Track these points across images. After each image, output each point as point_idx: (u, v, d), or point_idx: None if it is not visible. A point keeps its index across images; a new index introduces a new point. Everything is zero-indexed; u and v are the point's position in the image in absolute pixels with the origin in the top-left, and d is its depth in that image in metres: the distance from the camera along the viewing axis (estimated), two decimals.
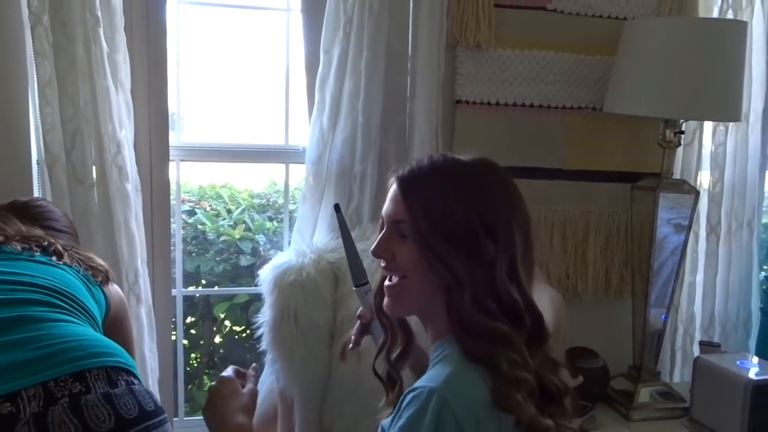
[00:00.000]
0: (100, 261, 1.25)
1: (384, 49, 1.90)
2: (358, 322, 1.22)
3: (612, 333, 2.15)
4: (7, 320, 0.94)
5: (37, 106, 1.67)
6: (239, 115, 2.46)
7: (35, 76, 1.66)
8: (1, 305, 0.96)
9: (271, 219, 2.64)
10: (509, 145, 2.06)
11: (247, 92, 2.42)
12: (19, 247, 1.11)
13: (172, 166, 1.95)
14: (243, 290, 2.54)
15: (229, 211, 2.64)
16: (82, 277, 1.14)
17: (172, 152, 1.95)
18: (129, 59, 1.76)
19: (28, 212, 1.28)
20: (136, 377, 0.99)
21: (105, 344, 1.00)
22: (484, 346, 0.89)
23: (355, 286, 1.22)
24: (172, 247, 2.02)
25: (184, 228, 2.57)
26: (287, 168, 2.10)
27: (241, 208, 2.63)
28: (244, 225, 2.56)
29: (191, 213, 2.59)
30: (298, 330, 1.79)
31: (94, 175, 1.70)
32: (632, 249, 2.05)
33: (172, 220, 2.01)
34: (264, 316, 1.83)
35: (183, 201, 3.02)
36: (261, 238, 2.56)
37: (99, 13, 1.64)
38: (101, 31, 1.65)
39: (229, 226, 2.56)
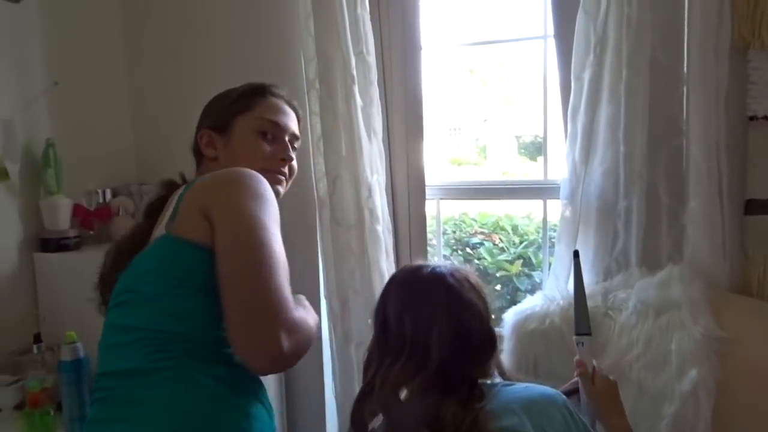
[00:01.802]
0: None
1: (647, 66, 1.64)
2: (576, 371, 1.28)
3: None
4: None
5: (312, 157, 1.93)
6: (496, 151, 2.41)
7: (310, 132, 1.93)
8: None
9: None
10: None
11: (504, 127, 2.36)
12: None
13: (432, 204, 2.03)
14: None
15: (515, 244, 2.59)
16: None
17: (431, 191, 2.03)
18: (386, 107, 1.91)
19: None
20: None
21: None
22: None
23: (575, 334, 1.33)
24: None
25: (468, 262, 2.62)
26: (545, 204, 1.96)
27: (524, 242, 2.56)
28: (522, 260, 2.48)
29: (477, 246, 2.63)
30: (537, 381, 1.65)
31: (352, 217, 1.87)
32: None
33: (431, 254, 2.08)
34: (505, 363, 1.75)
35: (475, 233, 3.10)
36: (539, 276, 2.44)
37: (354, 72, 1.82)
38: (356, 88, 1.82)
39: (507, 261, 2.51)
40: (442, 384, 1.06)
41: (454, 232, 2.85)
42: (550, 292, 1.77)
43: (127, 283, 0.97)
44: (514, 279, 2.47)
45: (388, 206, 1.93)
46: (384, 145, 1.92)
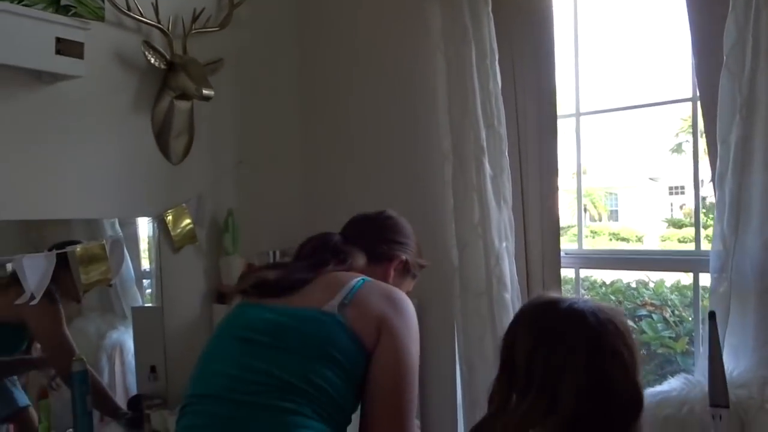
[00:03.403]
0: None
1: None
2: None
3: None
4: None
5: (446, 225, 2.01)
6: (641, 220, 2.22)
7: (444, 202, 2.01)
8: None
9: None
10: None
11: (649, 192, 2.18)
12: None
13: (569, 272, 1.97)
14: None
15: (685, 320, 2.35)
16: None
17: (570, 259, 1.98)
18: (521, 175, 1.94)
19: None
20: None
21: None
22: None
23: (710, 405, 1.26)
24: None
25: None
26: (696, 278, 1.79)
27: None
28: (688, 337, 2.24)
29: (642, 318, 2.44)
30: None
31: (481, 285, 1.90)
32: None
33: None
34: None
35: (644, 304, 2.86)
36: None
37: (484, 144, 1.88)
38: (485, 158, 1.88)
39: (670, 337, 2.28)
40: None
41: (620, 301, 2.66)
42: (694, 377, 1.60)
43: (278, 331, 1.13)
44: (678, 358, 2.23)
45: (521, 274, 1.92)
46: (518, 214, 1.93)
